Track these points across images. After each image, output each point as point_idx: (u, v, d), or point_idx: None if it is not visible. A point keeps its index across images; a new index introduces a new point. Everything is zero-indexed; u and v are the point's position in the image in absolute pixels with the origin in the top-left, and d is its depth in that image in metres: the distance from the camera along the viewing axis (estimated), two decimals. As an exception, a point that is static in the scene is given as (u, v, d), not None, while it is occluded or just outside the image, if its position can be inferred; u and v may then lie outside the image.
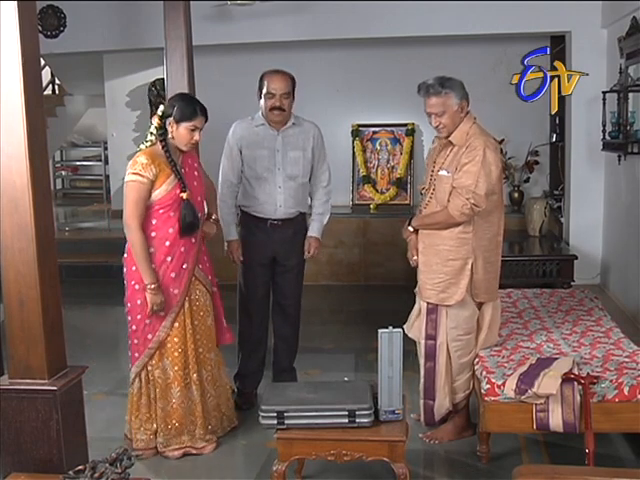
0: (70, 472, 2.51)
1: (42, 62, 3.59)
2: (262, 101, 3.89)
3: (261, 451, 3.54)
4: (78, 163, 12.00)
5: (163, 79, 4.55)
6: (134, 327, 3.48)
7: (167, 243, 3.42)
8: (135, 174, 3.33)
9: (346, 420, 2.91)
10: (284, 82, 3.85)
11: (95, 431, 3.50)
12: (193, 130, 3.42)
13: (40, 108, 2.64)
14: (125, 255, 3.48)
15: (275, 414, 2.93)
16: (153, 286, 3.37)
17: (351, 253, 6.93)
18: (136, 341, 3.50)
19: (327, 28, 6.34)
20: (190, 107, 3.44)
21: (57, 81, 10.45)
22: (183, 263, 3.48)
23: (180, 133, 3.41)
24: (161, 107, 3.44)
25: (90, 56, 8.21)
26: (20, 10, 2.51)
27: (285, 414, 2.92)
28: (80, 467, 2.51)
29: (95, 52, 7.64)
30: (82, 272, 7.39)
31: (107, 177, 10.63)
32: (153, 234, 3.40)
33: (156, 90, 9.17)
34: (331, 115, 7.15)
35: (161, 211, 3.40)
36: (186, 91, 3.99)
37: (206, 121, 3.49)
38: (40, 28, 6.41)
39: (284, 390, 3.17)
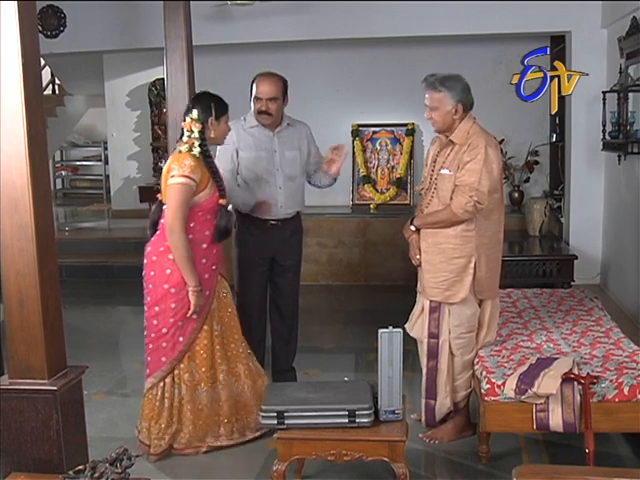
0: (70, 472, 2.51)
1: (42, 62, 3.59)
2: (253, 104, 3.90)
3: (261, 451, 3.54)
4: (78, 163, 12.01)
5: (163, 79, 4.55)
6: (164, 330, 3.44)
7: (204, 245, 3.44)
8: (184, 176, 3.30)
9: (346, 420, 2.91)
10: (272, 86, 3.84)
11: (95, 431, 3.51)
12: (227, 122, 3.51)
13: (40, 108, 2.64)
14: (154, 258, 3.43)
15: (275, 414, 2.93)
16: (198, 288, 3.36)
17: (351, 253, 6.93)
18: (164, 344, 3.46)
19: (327, 28, 6.34)
20: (221, 100, 3.50)
21: (57, 81, 10.46)
22: (213, 264, 3.51)
23: (221, 128, 3.48)
24: (194, 112, 3.38)
25: (90, 56, 8.22)
26: (20, 10, 2.50)
27: (285, 414, 2.92)
28: (80, 467, 2.50)
29: (95, 52, 7.65)
30: (82, 272, 7.40)
31: (107, 177, 10.65)
32: (190, 236, 3.39)
33: (156, 90, 9.19)
34: (331, 115, 7.16)
35: (200, 214, 3.40)
36: (186, 91, 3.99)
37: None
38: (40, 28, 6.41)
39: (284, 390, 3.17)
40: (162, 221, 3.43)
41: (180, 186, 3.30)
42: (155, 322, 3.46)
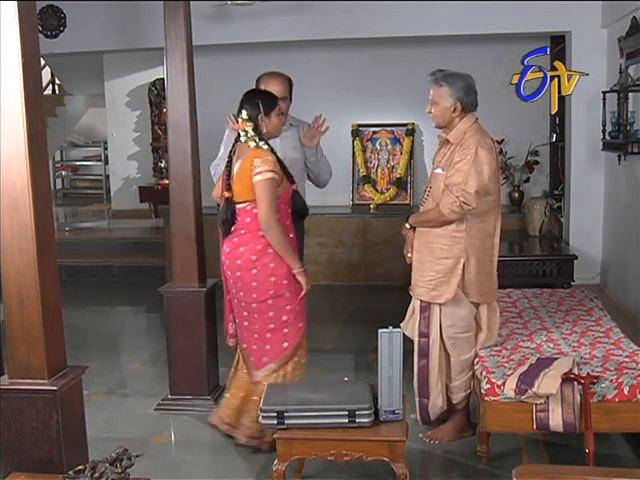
0: (70, 472, 2.51)
1: (42, 62, 3.59)
2: None
3: (261, 451, 3.54)
4: (78, 163, 12.02)
5: (163, 79, 4.54)
6: (285, 318, 3.51)
7: (291, 235, 3.55)
8: (271, 171, 3.38)
9: (346, 420, 2.91)
10: (281, 85, 3.87)
11: (95, 431, 3.51)
12: (279, 115, 3.56)
13: (40, 108, 2.63)
14: (254, 257, 3.45)
15: (275, 414, 2.93)
16: (303, 268, 3.49)
17: (351, 253, 6.93)
18: (286, 330, 3.52)
19: (327, 28, 6.34)
20: (268, 95, 3.57)
21: (57, 81, 10.47)
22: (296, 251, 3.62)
23: (273, 123, 3.52)
24: (243, 113, 3.46)
25: (90, 56, 8.22)
26: (20, 10, 2.50)
27: (285, 414, 2.92)
28: (80, 467, 2.50)
29: (95, 52, 7.65)
30: (82, 272, 7.41)
31: (107, 177, 10.65)
32: None
33: (156, 90, 9.19)
34: (331, 115, 7.06)
35: (282, 205, 3.50)
36: (186, 91, 3.98)
37: None
38: (40, 28, 6.41)
39: (284, 390, 3.17)
40: (248, 220, 3.46)
41: (270, 181, 3.38)
42: (271, 314, 3.51)
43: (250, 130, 3.44)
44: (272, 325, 3.51)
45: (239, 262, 3.49)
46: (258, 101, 3.48)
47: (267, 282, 3.46)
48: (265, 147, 3.45)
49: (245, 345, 3.59)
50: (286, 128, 3.95)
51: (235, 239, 3.50)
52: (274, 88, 3.82)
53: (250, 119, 3.45)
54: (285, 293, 3.49)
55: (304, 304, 3.58)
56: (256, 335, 3.54)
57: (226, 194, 3.51)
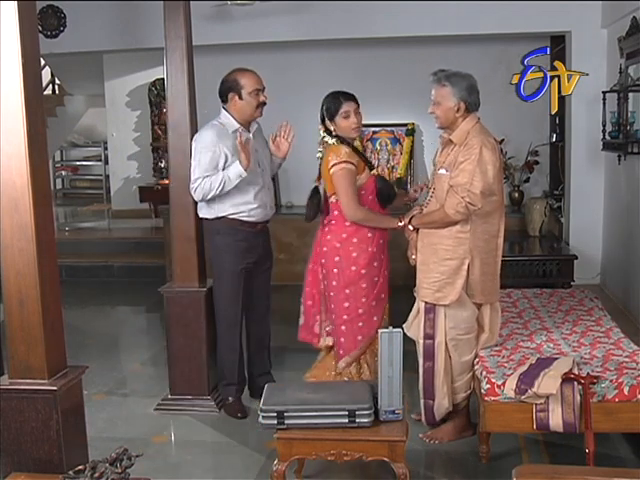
0: (70, 472, 2.51)
1: (42, 62, 3.59)
2: (242, 102, 3.81)
3: (261, 451, 3.54)
4: (78, 163, 12.02)
5: (163, 79, 4.54)
6: (360, 311, 3.61)
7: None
8: (345, 162, 3.54)
9: (346, 420, 2.91)
10: (258, 76, 3.88)
11: (95, 431, 3.51)
12: (347, 117, 3.63)
13: (40, 108, 2.64)
14: (338, 245, 3.61)
15: (275, 414, 2.92)
16: (401, 223, 3.59)
17: (351, 253, 6.90)
18: (360, 324, 3.62)
19: (327, 28, 6.34)
20: (333, 99, 3.72)
21: (57, 81, 10.47)
22: (380, 239, 3.68)
23: (341, 125, 3.64)
24: (319, 117, 3.69)
25: (90, 56, 8.23)
26: (20, 10, 2.50)
27: (285, 414, 2.92)
28: (80, 467, 2.50)
29: (95, 52, 7.65)
30: (82, 272, 7.41)
31: (107, 177, 10.66)
32: None
33: (156, 90, 9.20)
34: (331, 115, 7.14)
35: (370, 197, 3.64)
36: (186, 91, 3.98)
37: (357, 104, 3.75)
38: (40, 28, 6.41)
39: (284, 390, 3.16)
40: (335, 213, 3.62)
41: (344, 171, 3.53)
42: (346, 304, 3.61)
43: (321, 132, 3.66)
44: (346, 317, 3.61)
45: (325, 249, 3.63)
46: (323, 107, 3.68)
47: (348, 270, 3.59)
48: (336, 141, 3.61)
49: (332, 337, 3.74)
50: (254, 127, 3.93)
51: (326, 229, 3.67)
52: (253, 81, 3.83)
53: (322, 123, 3.66)
54: (362, 284, 3.60)
55: (382, 301, 3.67)
56: (336, 324, 3.64)
57: (316, 183, 3.73)
